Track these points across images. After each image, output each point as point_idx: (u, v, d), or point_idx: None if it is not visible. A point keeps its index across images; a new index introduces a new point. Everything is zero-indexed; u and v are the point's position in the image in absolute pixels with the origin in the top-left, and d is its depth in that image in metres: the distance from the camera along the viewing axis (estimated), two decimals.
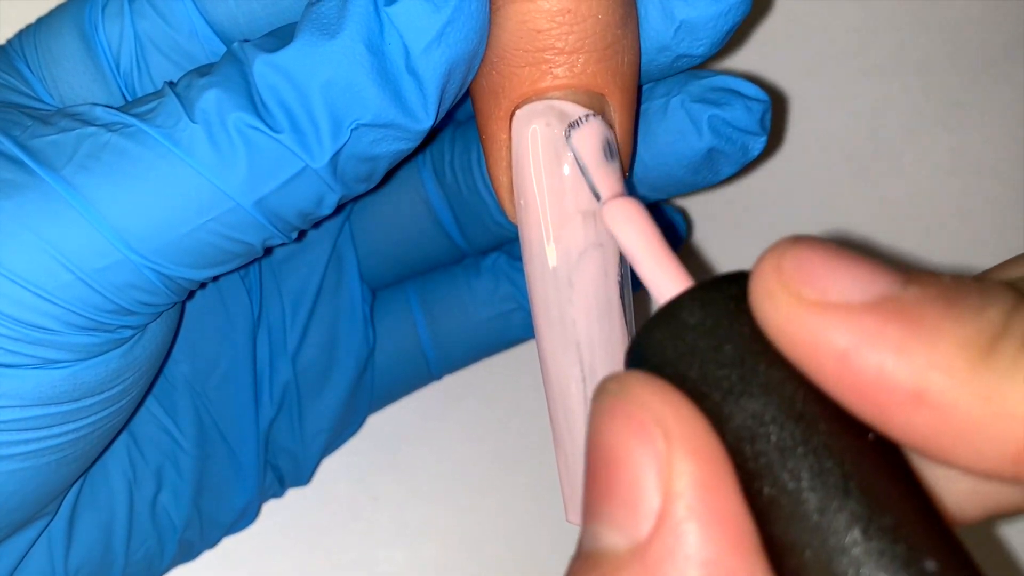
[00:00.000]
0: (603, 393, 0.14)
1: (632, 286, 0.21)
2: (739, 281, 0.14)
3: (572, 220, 0.20)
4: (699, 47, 0.22)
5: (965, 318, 0.12)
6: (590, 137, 0.19)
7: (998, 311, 0.12)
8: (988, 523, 0.32)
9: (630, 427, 0.13)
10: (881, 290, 0.13)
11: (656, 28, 0.21)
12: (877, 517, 0.13)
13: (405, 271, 0.29)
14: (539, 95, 0.20)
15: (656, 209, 0.28)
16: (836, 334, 0.13)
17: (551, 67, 0.19)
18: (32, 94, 0.21)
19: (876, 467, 0.13)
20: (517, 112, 0.20)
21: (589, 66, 0.19)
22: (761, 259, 0.13)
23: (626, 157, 0.21)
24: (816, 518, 0.13)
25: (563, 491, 0.21)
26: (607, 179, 0.19)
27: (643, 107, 0.24)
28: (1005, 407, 0.12)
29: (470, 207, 0.27)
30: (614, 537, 0.13)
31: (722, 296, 0.14)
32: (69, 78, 0.21)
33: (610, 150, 0.20)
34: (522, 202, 0.20)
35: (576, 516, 0.21)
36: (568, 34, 0.19)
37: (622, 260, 0.20)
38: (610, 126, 0.20)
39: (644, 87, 0.24)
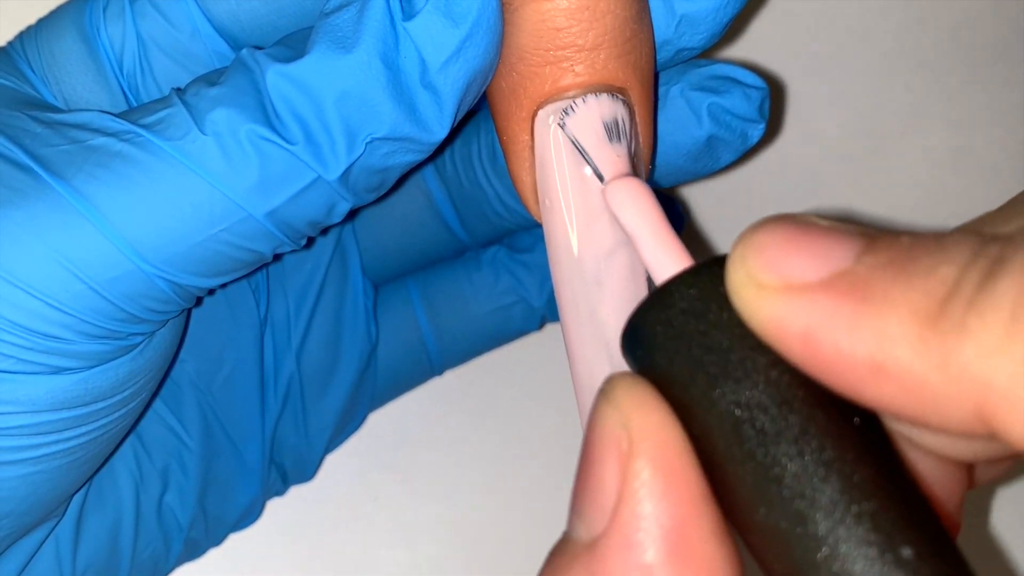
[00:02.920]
0: (598, 393, 0.14)
1: None
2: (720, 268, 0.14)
3: (599, 219, 0.19)
4: (699, 40, 0.22)
5: (914, 283, 0.12)
6: (587, 118, 0.19)
7: (950, 268, 0.12)
8: (980, 520, 0.32)
9: (604, 428, 0.14)
10: (836, 265, 0.13)
11: (658, 24, 0.21)
12: (856, 503, 0.13)
13: (406, 265, 0.29)
14: (560, 94, 0.20)
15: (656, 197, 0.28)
16: (795, 316, 0.13)
17: (572, 65, 0.19)
18: (37, 95, 0.21)
19: (858, 452, 0.13)
20: (539, 112, 0.20)
21: (610, 62, 0.19)
22: (732, 248, 0.14)
23: (648, 149, 0.21)
24: (797, 504, 0.13)
25: None
26: (608, 159, 0.19)
27: None
28: (957, 369, 0.12)
29: (471, 199, 0.27)
30: (580, 529, 0.14)
31: (710, 280, 0.14)
32: (71, 80, 0.21)
33: (617, 130, 0.20)
34: (547, 202, 0.20)
35: None
36: (588, 31, 0.19)
37: None
38: (629, 108, 0.20)
39: None
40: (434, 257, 0.29)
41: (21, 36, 0.22)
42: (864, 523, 0.13)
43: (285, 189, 0.19)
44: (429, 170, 0.28)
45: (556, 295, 0.21)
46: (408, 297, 0.29)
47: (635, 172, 0.20)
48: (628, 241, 0.19)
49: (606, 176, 0.19)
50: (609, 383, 0.14)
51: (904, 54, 0.33)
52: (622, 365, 0.20)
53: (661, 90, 0.24)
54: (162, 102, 0.20)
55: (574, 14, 0.19)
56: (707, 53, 0.23)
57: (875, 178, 0.33)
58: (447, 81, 0.19)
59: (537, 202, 0.21)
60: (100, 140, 0.19)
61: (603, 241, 0.20)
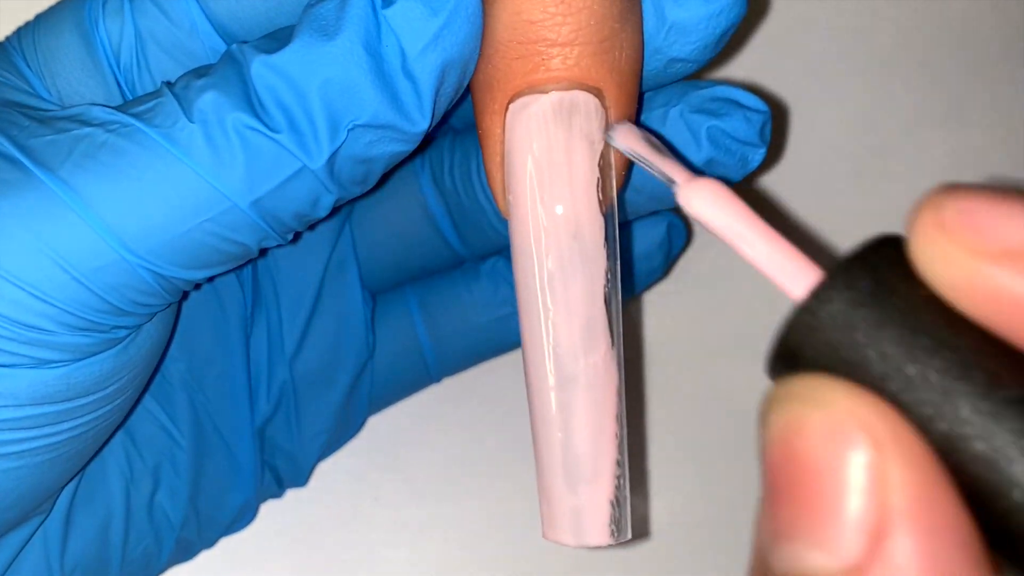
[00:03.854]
0: (786, 402, 0.13)
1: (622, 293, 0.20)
2: (889, 247, 0.13)
3: (559, 213, 0.19)
4: (691, 50, 0.21)
5: None
6: (631, 132, 0.19)
7: None
8: None
9: (835, 437, 0.12)
10: None
11: (647, 30, 0.21)
12: None
13: (405, 276, 0.29)
14: (533, 87, 0.19)
15: (657, 217, 0.28)
16: (1021, 281, 0.11)
17: (545, 59, 0.19)
18: (31, 91, 0.21)
19: None
20: (511, 105, 0.20)
21: (584, 59, 0.19)
22: (917, 216, 0.12)
23: (624, 157, 0.20)
24: None
25: (541, 506, 0.21)
26: (671, 165, 0.18)
27: (642, 117, 0.23)
28: None
29: (469, 214, 0.27)
30: (821, 559, 0.12)
31: (883, 266, 0.12)
32: (67, 75, 0.21)
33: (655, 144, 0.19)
34: (511, 198, 0.20)
35: (553, 532, 0.20)
36: (561, 25, 0.19)
37: (610, 263, 0.20)
38: (603, 110, 0.20)
39: (643, 96, 0.23)
40: (432, 269, 0.29)
41: (18, 31, 0.22)
42: None
43: (270, 179, 0.19)
44: (427, 184, 0.27)
45: (516, 294, 0.20)
46: (406, 307, 0.29)
47: (602, 179, 0.19)
48: (586, 249, 0.19)
49: (678, 180, 0.18)
50: (810, 388, 0.12)
51: (906, 60, 0.33)
52: (574, 376, 0.19)
53: (661, 111, 0.23)
54: (152, 95, 0.20)
55: (548, 7, 0.19)
56: (708, 70, 0.23)
57: (877, 188, 0.33)
58: (423, 69, 0.18)
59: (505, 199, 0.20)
60: (87, 130, 0.19)
61: (564, 243, 0.19)
